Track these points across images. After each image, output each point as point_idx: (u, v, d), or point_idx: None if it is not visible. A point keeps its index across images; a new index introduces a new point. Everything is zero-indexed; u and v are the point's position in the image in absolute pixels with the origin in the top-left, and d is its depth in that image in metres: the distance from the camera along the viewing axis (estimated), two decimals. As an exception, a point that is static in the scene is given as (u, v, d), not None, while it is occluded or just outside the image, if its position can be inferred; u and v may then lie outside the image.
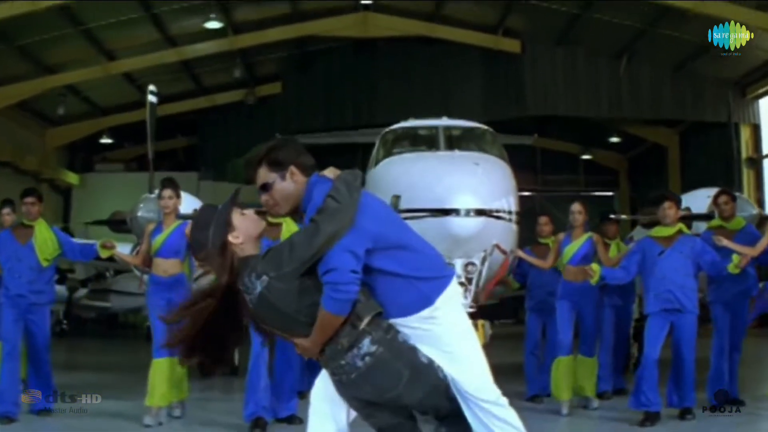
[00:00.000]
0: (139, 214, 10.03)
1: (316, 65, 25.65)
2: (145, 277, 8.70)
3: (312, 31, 23.00)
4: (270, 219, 7.04)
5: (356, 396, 3.77)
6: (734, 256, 8.06)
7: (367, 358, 3.61)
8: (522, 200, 9.02)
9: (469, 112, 15.37)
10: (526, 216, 9.15)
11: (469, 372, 3.76)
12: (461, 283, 7.31)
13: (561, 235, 9.23)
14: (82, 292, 22.25)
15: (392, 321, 3.72)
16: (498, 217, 7.90)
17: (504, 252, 8.15)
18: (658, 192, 9.67)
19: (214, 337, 3.87)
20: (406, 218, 6.77)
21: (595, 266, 8.25)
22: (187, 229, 7.50)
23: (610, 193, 31.07)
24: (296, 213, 3.93)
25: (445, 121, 10.16)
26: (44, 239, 8.49)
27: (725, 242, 8.24)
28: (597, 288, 8.81)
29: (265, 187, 3.87)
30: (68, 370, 12.31)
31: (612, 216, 11.07)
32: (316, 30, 23.02)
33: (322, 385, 3.89)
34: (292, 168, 3.83)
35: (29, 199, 8.53)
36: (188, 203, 8.89)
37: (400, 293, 3.72)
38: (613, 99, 22.97)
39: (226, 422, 8.13)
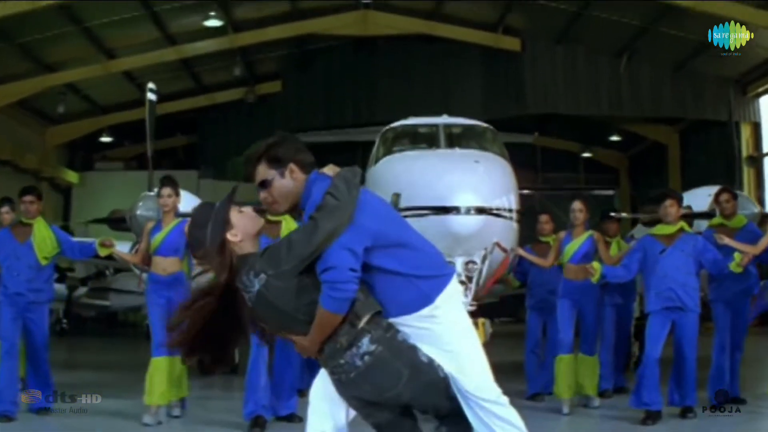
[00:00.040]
0: (138, 212, 10.02)
1: (316, 63, 25.63)
2: (144, 275, 8.69)
3: (312, 29, 22.97)
4: (269, 217, 7.04)
5: (356, 395, 3.74)
6: (736, 255, 8.05)
7: (367, 357, 3.58)
8: (522, 198, 8.99)
9: (469, 111, 15.33)
10: (527, 214, 9.13)
11: (470, 371, 3.73)
12: (461, 282, 7.29)
13: (562, 234, 9.21)
14: (82, 290, 22.25)
15: (392, 320, 3.69)
16: (498, 215, 7.88)
17: (504, 250, 8.13)
18: (660, 190, 9.65)
19: (215, 336, 3.85)
20: (406, 216, 6.74)
21: (596, 264, 8.24)
22: (186, 228, 7.48)
23: (611, 192, 31.04)
24: (295, 211, 3.91)
25: (445, 119, 10.12)
26: (43, 238, 8.47)
27: (727, 240, 8.23)
28: (598, 286, 8.80)
29: (264, 184, 3.84)
30: (68, 369, 12.31)
31: (613, 214, 11.06)
32: (316, 28, 23.00)
33: (321, 384, 3.86)
34: (292, 165, 3.80)
35: (28, 198, 8.51)
36: (188, 202, 8.86)
37: (400, 292, 3.69)
38: (613, 97, 22.95)
39: (225, 421, 8.11)
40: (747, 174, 22.27)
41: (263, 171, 3.83)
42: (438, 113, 10.66)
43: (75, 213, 27.40)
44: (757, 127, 22.90)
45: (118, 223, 11.97)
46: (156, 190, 8.88)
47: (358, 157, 18.78)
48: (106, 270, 21.88)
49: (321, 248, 3.54)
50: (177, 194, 8.33)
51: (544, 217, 10.22)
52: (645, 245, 8.22)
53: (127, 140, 28.95)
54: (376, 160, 9.75)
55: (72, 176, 28.08)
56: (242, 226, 3.81)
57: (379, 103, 24.32)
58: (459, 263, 7.51)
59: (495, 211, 7.80)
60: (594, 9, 20.45)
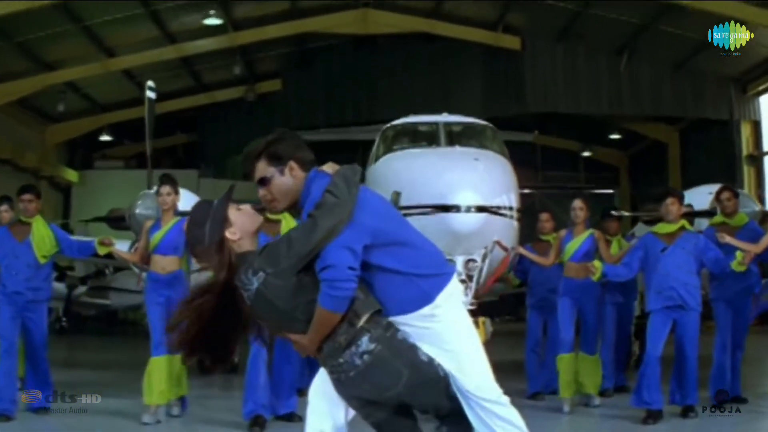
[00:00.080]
0: (138, 211, 10.02)
1: (316, 62, 25.60)
2: (144, 274, 8.68)
3: (312, 27, 22.93)
4: (269, 216, 7.01)
5: (355, 395, 3.72)
6: (738, 254, 8.03)
7: (366, 357, 3.56)
8: (522, 197, 8.97)
9: (469, 109, 15.29)
10: (526, 213, 9.11)
11: (470, 370, 3.70)
12: (462, 280, 7.27)
13: (562, 232, 9.19)
14: (82, 289, 22.22)
15: (392, 318, 3.66)
16: (499, 214, 7.86)
17: (505, 249, 8.11)
18: (661, 188, 9.63)
19: (216, 336, 3.82)
20: (406, 214, 6.73)
21: (597, 263, 8.22)
22: (185, 226, 7.46)
23: (610, 191, 31.06)
24: (294, 208, 3.88)
25: (445, 117, 10.09)
26: (42, 236, 8.45)
27: (728, 239, 8.21)
28: (599, 285, 8.79)
29: (263, 182, 3.81)
30: (67, 368, 12.29)
31: (613, 213, 11.04)
32: (315, 27, 22.96)
33: (321, 384, 3.83)
34: (292, 163, 3.78)
35: (26, 196, 8.49)
36: (188, 200, 8.85)
37: (400, 290, 3.66)
38: (613, 96, 22.92)
39: (225, 420, 8.09)
40: (747, 173, 22.24)
41: (263, 168, 3.80)
42: (438, 111, 10.63)
43: (75, 212, 27.35)
44: (757, 126, 22.86)
45: (117, 221, 11.94)
46: (155, 188, 8.87)
47: (358, 155, 18.77)
48: (106, 269, 21.87)
49: (320, 246, 3.51)
50: (176, 192, 8.32)
51: (544, 216, 10.20)
52: (646, 243, 8.20)
53: (127, 139, 28.90)
54: (376, 159, 9.73)
55: (72, 175, 28.05)
56: (241, 224, 3.78)
57: (379, 101, 24.30)
58: (459, 262, 7.48)
59: (495, 210, 7.78)
60: (594, 7, 20.41)
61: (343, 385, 3.67)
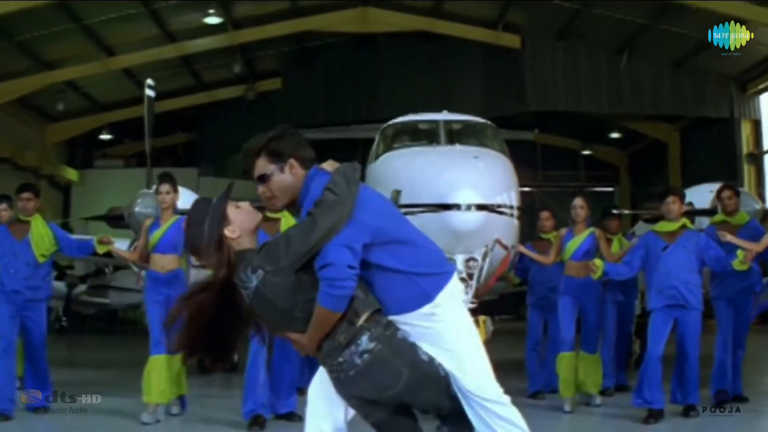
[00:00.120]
0: (137, 209, 10.01)
1: (316, 61, 25.58)
2: (143, 272, 8.66)
3: (312, 26, 22.92)
4: (268, 214, 6.99)
5: (355, 394, 3.69)
6: (739, 252, 8.00)
7: (366, 356, 3.53)
8: (522, 196, 8.95)
9: (469, 108, 15.25)
10: (527, 212, 9.08)
11: (471, 370, 3.67)
12: (462, 279, 7.25)
13: (563, 231, 9.18)
14: (81, 288, 22.21)
15: (392, 317, 3.64)
16: (499, 212, 7.83)
17: (505, 247, 8.08)
18: (662, 187, 9.62)
19: (216, 335, 3.80)
20: (406, 213, 6.71)
21: (598, 261, 8.20)
22: (184, 225, 7.45)
23: (610, 188, 31.06)
24: (293, 206, 3.85)
25: (445, 116, 10.07)
26: (40, 235, 8.44)
27: (729, 237, 8.18)
28: (599, 284, 8.77)
29: (263, 179, 3.79)
30: (67, 367, 12.27)
31: (614, 211, 11.02)
32: (315, 25, 22.95)
33: (320, 383, 3.81)
34: (292, 160, 3.76)
35: (25, 195, 8.48)
36: (187, 199, 8.83)
37: (400, 289, 3.64)
38: (613, 95, 22.90)
39: (225, 419, 8.07)
40: (747, 171, 22.22)
41: (263, 165, 3.78)
42: (438, 110, 10.61)
43: (75, 210, 27.34)
44: (757, 125, 22.85)
45: (117, 220, 11.92)
46: (154, 187, 8.85)
47: (358, 154, 18.71)
48: (106, 267, 21.86)
49: (319, 245, 3.49)
50: (175, 191, 8.30)
51: (545, 214, 10.18)
52: (647, 242, 8.17)
53: (126, 138, 28.89)
54: (376, 157, 9.71)
55: (72, 174, 28.04)
56: (240, 222, 3.76)
57: (379, 100, 24.27)
58: (459, 260, 7.46)
59: (496, 208, 7.75)
60: (594, 6, 20.41)
61: (342, 385, 3.65)
